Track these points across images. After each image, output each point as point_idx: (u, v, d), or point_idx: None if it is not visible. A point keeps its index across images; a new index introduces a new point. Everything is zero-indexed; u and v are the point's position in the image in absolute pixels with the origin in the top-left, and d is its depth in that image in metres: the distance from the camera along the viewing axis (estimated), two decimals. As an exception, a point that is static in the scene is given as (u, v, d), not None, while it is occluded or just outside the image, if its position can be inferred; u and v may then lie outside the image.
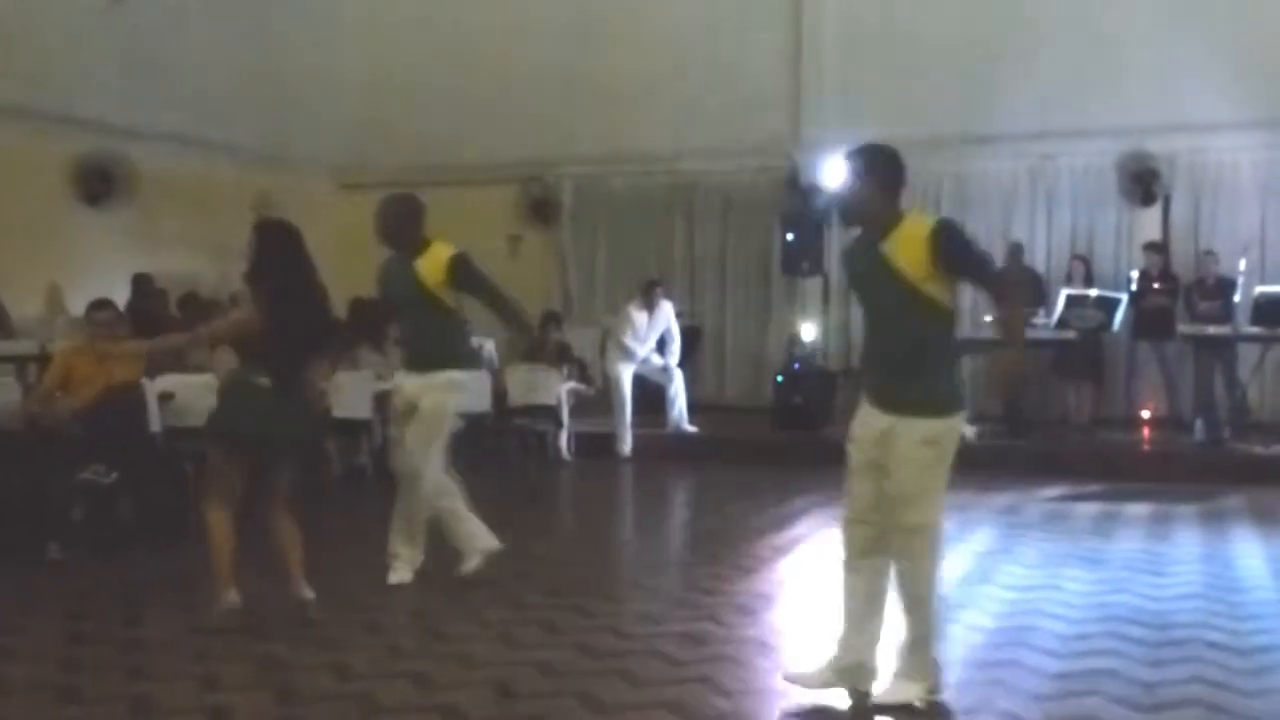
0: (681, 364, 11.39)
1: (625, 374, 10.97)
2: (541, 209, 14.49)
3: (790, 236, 12.45)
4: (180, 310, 10.95)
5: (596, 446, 10.76)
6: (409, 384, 5.72)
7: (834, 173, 11.29)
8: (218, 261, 11.58)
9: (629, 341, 10.94)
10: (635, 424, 10.93)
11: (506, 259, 13.93)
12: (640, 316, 11.07)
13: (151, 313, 10.48)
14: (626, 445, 10.96)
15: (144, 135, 11.83)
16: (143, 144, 11.91)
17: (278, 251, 5.07)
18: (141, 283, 11.60)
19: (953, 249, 3.89)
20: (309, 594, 5.17)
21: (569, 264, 14.49)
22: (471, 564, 5.75)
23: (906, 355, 3.94)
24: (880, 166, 4.01)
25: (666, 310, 11.28)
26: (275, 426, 5.01)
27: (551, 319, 11.90)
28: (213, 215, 11.82)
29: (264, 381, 4.97)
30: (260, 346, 4.99)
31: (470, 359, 6.03)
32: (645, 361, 11.10)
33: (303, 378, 5.10)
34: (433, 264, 5.58)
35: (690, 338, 12.27)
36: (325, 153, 14.25)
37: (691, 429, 11.24)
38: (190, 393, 7.42)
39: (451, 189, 13.71)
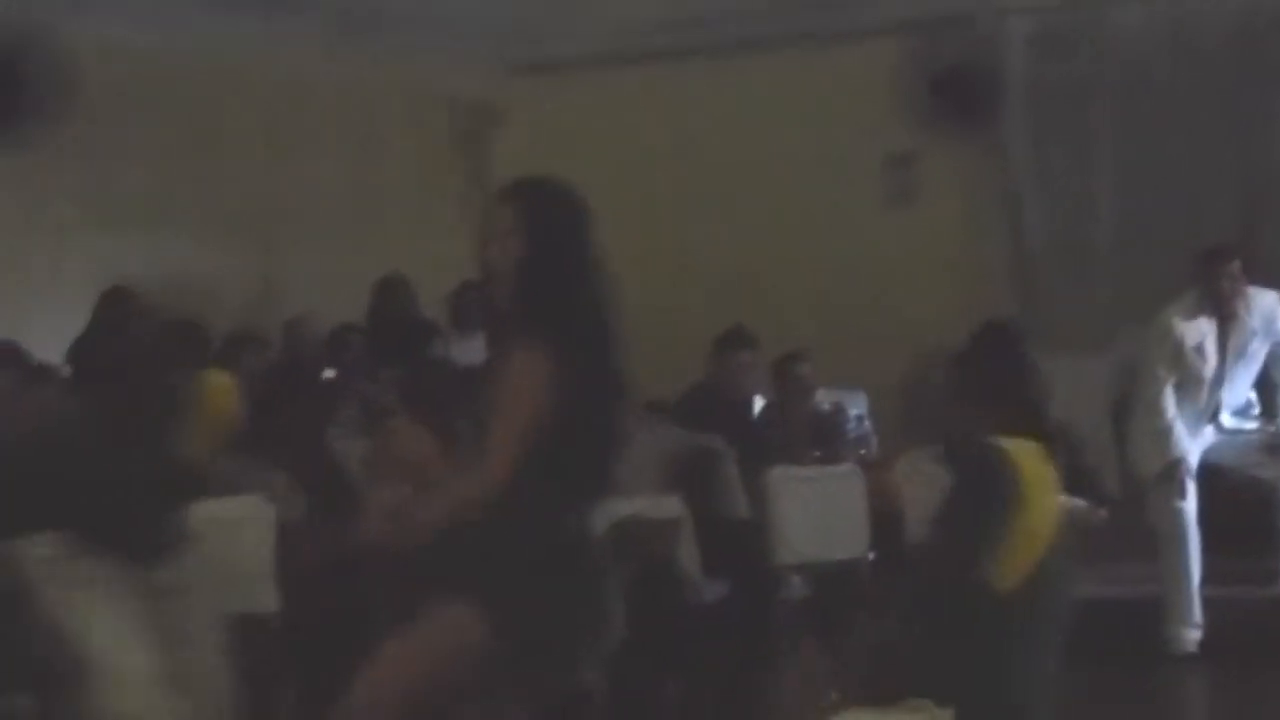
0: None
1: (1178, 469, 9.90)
2: (956, 93, 11.94)
3: None
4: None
5: (1121, 626, 9.72)
6: None
7: None
8: (242, 244, 11.47)
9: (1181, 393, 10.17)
10: (1210, 579, 9.77)
11: (883, 207, 12.03)
12: (1197, 329, 9.68)
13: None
14: (1191, 627, 9.51)
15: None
16: (88, 12, 10.83)
17: (570, 253, 4.69)
18: (116, 305, 10.51)
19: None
20: None
21: (1024, 209, 12.11)
22: None
23: None
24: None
25: (1269, 311, 9.71)
26: (604, 616, 4.71)
27: (998, 344, 10.50)
28: (238, 151, 11.28)
29: (571, 522, 4.62)
30: (549, 442, 4.64)
31: None
32: (1224, 436, 9.96)
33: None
34: None
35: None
36: (477, 10, 12.44)
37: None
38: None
39: (740, 64, 13.22)
